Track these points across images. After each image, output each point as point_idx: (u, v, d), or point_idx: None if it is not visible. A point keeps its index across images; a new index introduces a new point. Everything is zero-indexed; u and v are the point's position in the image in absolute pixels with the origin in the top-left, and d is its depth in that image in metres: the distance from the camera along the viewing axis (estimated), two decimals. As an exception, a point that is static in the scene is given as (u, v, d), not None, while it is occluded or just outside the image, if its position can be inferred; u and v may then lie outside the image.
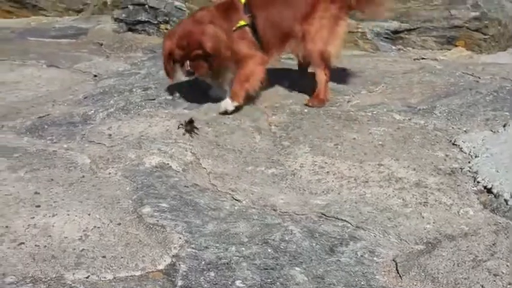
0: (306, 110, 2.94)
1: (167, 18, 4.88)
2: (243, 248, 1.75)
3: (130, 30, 5.07)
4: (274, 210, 2.02)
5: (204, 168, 2.34)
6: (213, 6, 2.92)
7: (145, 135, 2.60)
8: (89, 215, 1.90)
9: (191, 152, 2.46)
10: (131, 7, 5.07)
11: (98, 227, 1.83)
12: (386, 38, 4.54)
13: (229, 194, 2.13)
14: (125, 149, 2.46)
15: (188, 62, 2.69)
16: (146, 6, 4.94)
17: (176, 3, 4.98)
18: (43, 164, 2.28)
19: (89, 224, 1.84)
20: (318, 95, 2.97)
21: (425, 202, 2.03)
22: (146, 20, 4.94)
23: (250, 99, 2.92)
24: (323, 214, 1.98)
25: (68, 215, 1.88)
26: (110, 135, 2.63)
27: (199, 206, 2.00)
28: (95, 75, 3.72)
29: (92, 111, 2.92)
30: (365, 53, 4.44)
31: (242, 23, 2.80)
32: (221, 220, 1.92)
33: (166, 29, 4.91)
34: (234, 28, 2.78)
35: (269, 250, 1.75)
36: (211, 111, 2.94)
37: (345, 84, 3.40)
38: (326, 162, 2.37)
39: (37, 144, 2.53)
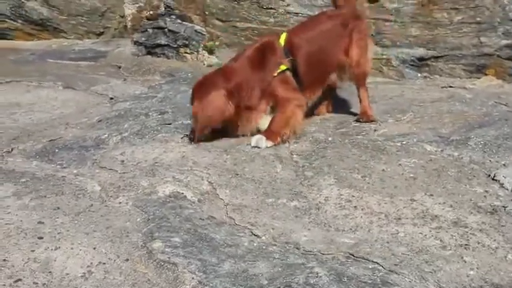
0: (330, 139, 2.77)
1: (186, 42, 4.81)
2: (263, 292, 1.57)
3: (149, 53, 5.01)
4: (297, 248, 1.83)
5: (221, 199, 2.18)
6: (252, 49, 2.82)
7: (160, 162, 2.46)
8: (94, 249, 1.74)
9: (207, 180, 2.30)
10: (150, 30, 5.02)
11: (104, 263, 1.67)
12: (412, 65, 4.38)
13: (248, 228, 1.95)
14: (137, 176, 2.32)
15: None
16: (166, 29, 4.89)
17: (197, 27, 4.92)
18: (50, 191, 2.15)
19: (94, 260, 1.67)
20: (366, 112, 3.06)
21: (466, 244, 1.82)
22: (166, 43, 4.88)
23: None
24: (351, 254, 1.79)
25: (72, 248, 1.73)
26: (122, 161, 2.50)
27: (215, 242, 1.83)
28: (111, 98, 3.62)
29: (106, 135, 2.79)
30: (389, 80, 4.29)
31: (283, 67, 2.76)
32: (239, 258, 1.74)
33: (186, 52, 4.85)
34: (275, 74, 2.74)
35: (292, 295, 1.56)
36: (229, 139, 2.79)
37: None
38: (353, 196, 2.18)
39: (46, 168, 2.40)
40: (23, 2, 5.57)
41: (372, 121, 3.02)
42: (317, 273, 1.65)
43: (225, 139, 2.78)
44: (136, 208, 2.04)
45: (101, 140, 2.74)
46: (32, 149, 2.63)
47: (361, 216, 2.03)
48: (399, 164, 2.46)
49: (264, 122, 2.74)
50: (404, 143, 2.70)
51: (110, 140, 2.74)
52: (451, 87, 4.09)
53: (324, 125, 3.00)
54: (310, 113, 3.07)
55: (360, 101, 3.08)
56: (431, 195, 2.17)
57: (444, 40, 4.28)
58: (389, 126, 3.00)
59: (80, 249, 1.72)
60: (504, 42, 4.10)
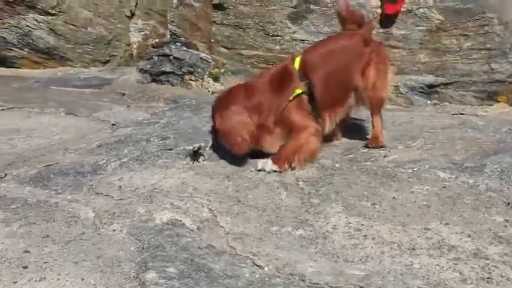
0: (337, 165, 2.65)
1: (191, 69, 4.76)
2: (264, 330, 1.42)
3: (154, 81, 4.96)
4: (302, 280, 1.69)
5: (222, 227, 2.05)
6: (271, 73, 2.75)
7: (158, 188, 2.34)
8: (82, 280, 1.60)
9: (208, 208, 2.18)
10: (156, 58, 4.99)
11: (92, 296, 1.53)
12: (421, 92, 4.27)
13: (250, 258, 1.81)
14: (134, 202, 2.20)
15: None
16: (171, 57, 4.85)
17: (202, 54, 4.88)
18: (41, 218, 2.03)
19: (81, 292, 1.54)
20: (377, 137, 2.90)
21: (488, 278, 1.67)
22: (171, 70, 4.83)
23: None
24: (361, 288, 1.64)
25: (59, 279, 1.59)
26: (120, 186, 2.38)
27: (214, 273, 1.69)
28: (113, 124, 3.53)
29: (104, 161, 2.69)
30: (398, 108, 4.18)
31: (298, 91, 2.64)
32: (238, 291, 1.59)
33: (191, 79, 4.79)
34: (291, 98, 2.63)
35: (297, 333, 1.41)
36: (231, 165, 2.68)
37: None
38: (362, 224, 2.04)
39: (39, 194, 2.29)
40: (30, 31, 5.58)
41: (381, 147, 2.88)
42: (324, 309, 1.50)
43: (229, 165, 2.66)
44: (131, 236, 1.91)
45: (98, 166, 2.64)
46: (26, 174, 2.52)
47: (371, 246, 1.88)
48: (411, 192, 2.32)
49: (276, 147, 2.64)
50: (416, 169, 2.56)
51: (109, 166, 2.64)
52: (462, 114, 3.97)
53: (331, 151, 2.88)
54: (328, 138, 2.91)
55: (373, 127, 2.93)
56: (447, 224, 2.03)
57: (453, 67, 4.18)
58: (399, 153, 2.87)
59: (67, 280, 1.59)
60: (516, 68, 4.01)
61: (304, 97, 2.66)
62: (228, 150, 2.62)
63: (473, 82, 4.15)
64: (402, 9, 4.20)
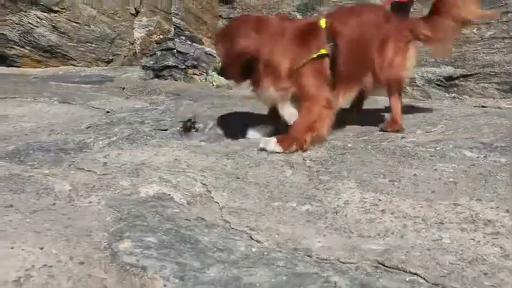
0: (350, 145, 2.36)
1: (195, 63, 4.54)
2: (259, 306, 1.13)
3: (156, 76, 4.74)
4: (308, 255, 1.39)
5: (216, 202, 1.76)
6: (297, 23, 2.46)
7: (148, 163, 2.07)
8: (42, 249, 1.33)
9: (201, 183, 1.90)
10: (159, 53, 4.78)
11: (50, 266, 1.25)
12: (439, 85, 3.99)
13: (247, 233, 1.53)
14: (118, 177, 1.93)
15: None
16: (175, 50, 4.64)
17: (207, 49, 4.66)
18: (8, 189, 1.77)
19: (37, 262, 1.26)
20: (396, 120, 2.61)
21: (536, 252, 1.36)
22: (174, 65, 4.61)
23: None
24: (380, 263, 1.34)
25: (13, 248, 1.32)
26: (105, 163, 2.12)
27: (201, 245, 1.40)
28: (108, 111, 3.29)
29: (91, 139, 2.43)
30: (414, 101, 3.89)
31: (323, 51, 2.29)
32: (230, 264, 1.31)
33: (195, 74, 4.56)
34: (315, 56, 2.27)
35: (300, 311, 1.12)
36: (232, 145, 2.41)
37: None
38: (379, 200, 1.74)
39: (13, 169, 2.03)
40: (32, 28, 5.43)
41: (399, 131, 2.58)
42: (335, 283, 1.21)
43: (230, 146, 2.39)
44: (109, 208, 1.64)
45: (84, 144, 2.38)
46: (2, 150, 2.27)
47: (391, 221, 1.59)
48: (435, 169, 2.02)
49: (285, 109, 2.31)
50: (439, 148, 2.27)
51: (95, 144, 2.38)
52: (483, 107, 3.67)
53: (342, 133, 2.60)
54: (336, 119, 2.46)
55: (391, 110, 2.62)
56: (479, 199, 1.72)
57: (474, 57, 3.90)
58: (418, 136, 2.57)
59: (23, 249, 1.31)
60: (542, 57, 3.71)
61: (327, 61, 2.31)
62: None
63: (496, 73, 3.85)
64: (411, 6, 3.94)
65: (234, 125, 2.63)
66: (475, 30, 3.91)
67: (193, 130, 2.51)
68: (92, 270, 1.25)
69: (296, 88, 2.25)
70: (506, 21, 3.81)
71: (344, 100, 2.49)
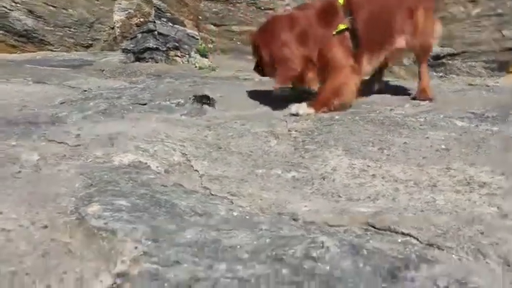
0: (337, 117, 2.27)
1: (177, 45, 4.40)
2: (240, 267, 1.02)
3: (137, 59, 4.59)
4: (294, 219, 1.29)
5: (196, 170, 1.65)
6: (316, 6, 2.53)
7: (124, 134, 1.95)
8: (1, 213, 1.20)
9: (181, 152, 1.79)
10: (139, 35, 4.63)
11: (9, 230, 1.13)
12: (426, 64, 3.91)
13: (227, 198, 1.42)
14: (91, 147, 1.81)
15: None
16: (156, 32, 4.49)
17: (189, 31, 4.52)
18: (-31, 158, 1.63)
19: (-5, 225, 1.14)
20: (425, 88, 2.72)
21: (535, 211, 1.28)
22: (155, 47, 4.47)
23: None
24: (371, 225, 1.24)
25: (-31, 211, 1.20)
26: (78, 135, 1.99)
27: (178, 209, 1.29)
28: (85, 90, 3.14)
29: (65, 113, 2.30)
30: (400, 80, 3.81)
31: (342, 27, 2.45)
32: (209, 227, 1.20)
33: (176, 55, 4.43)
34: (334, 33, 2.44)
35: (284, 271, 1.01)
36: (214, 119, 2.30)
37: (382, 100, 2.75)
38: (368, 166, 1.65)
39: (-23, 141, 1.89)
40: (6, 12, 5.21)
41: (431, 100, 2.65)
42: (322, 243, 1.11)
43: (213, 119, 2.28)
44: (79, 175, 1.52)
45: (57, 118, 2.25)
46: (-33, 123, 2.13)
47: (382, 184, 1.49)
48: (426, 137, 1.94)
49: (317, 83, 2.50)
50: (429, 118, 2.19)
51: (69, 118, 2.25)
52: (471, 85, 3.61)
53: (330, 108, 2.50)
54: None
55: (420, 78, 2.75)
56: (473, 164, 1.64)
57: (461, 36, 3.83)
58: (408, 109, 2.49)
59: (-20, 213, 1.19)
60: (530, 34, 3.65)
61: (347, 34, 2.45)
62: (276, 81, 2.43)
63: (483, 52, 3.79)
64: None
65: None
66: (461, 8, 3.84)
67: (209, 104, 2.49)
68: (56, 235, 1.13)
69: (324, 63, 2.41)
70: (494, -1, 3.75)
71: (370, 66, 2.60)
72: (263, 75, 2.58)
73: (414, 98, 2.70)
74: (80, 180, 1.45)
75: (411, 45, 2.68)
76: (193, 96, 2.55)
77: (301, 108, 2.32)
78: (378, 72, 2.93)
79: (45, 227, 1.16)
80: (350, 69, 2.41)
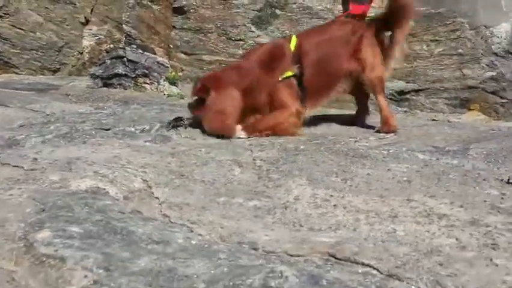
0: (302, 147, 2.27)
1: (146, 72, 4.38)
2: (195, 297, 0.98)
3: (105, 85, 4.52)
4: (254, 249, 1.27)
5: (157, 197, 1.61)
6: (263, 50, 2.71)
7: (83, 159, 1.89)
8: None
9: (142, 179, 1.74)
10: (108, 61, 4.59)
11: (-51, 256, 1.06)
12: (391, 99, 4.01)
13: (187, 226, 1.38)
14: (48, 171, 1.75)
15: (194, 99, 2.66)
16: (125, 59, 4.46)
17: (159, 59, 4.52)
18: None
19: None
20: (388, 120, 2.74)
21: (493, 244, 1.29)
22: (123, 73, 4.43)
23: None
24: (331, 255, 1.23)
25: None
26: (35, 159, 1.92)
27: (134, 236, 1.25)
28: (48, 114, 3.07)
29: (23, 136, 2.23)
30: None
31: (289, 73, 2.61)
32: (165, 255, 1.16)
33: (145, 83, 4.40)
34: (280, 79, 2.59)
35: (241, 302, 0.98)
36: (179, 146, 2.27)
37: (348, 131, 2.79)
38: (331, 196, 1.65)
39: None
40: (-29, 33, 5.10)
41: (394, 131, 2.68)
42: (281, 273, 1.08)
43: (178, 146, 2.25)
44: (32, 200, 1.46)
45: (15, 141, 2.17)
46: None
47: (343, 215, 1.49)
48: (388, 169, 1.96)
49: None
50: (392, 151, 2.22)
51: (28, 142, 2.18)
52: (434, 120, 3.71)
53: (295, 138, 2.51)
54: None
55: (380, 111, 2.76)
56: (433, 196, 1.66)
57: (424, 72, 3.97)
58: (371, 142, 2.52)
59: None
60: (489, 74, 3.82)
61: (293, 80, 2.61)
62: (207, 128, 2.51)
63: (445, 89, 3.93)
64: (369, 12, 3.99)
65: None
66: (424, 47, 3.99)
67: (180, 127, 2.54)
68: (1, 262, 1.06)
69: (271, 100, 2.57)
70: (455, 39, 3.92)
71: (316, 107, 2.77)
72: (194, 114, 2.62)
73: (378, 131, 2.73)
74: (32, 205, 1.39)
75: (363, 82, 2.75)
76: (169, 120, 2.59)
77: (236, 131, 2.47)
78: (362, 104, 3.04)
79: (-10, 253, 1.10)
80: (291, 112, 2.56)
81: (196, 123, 2.60)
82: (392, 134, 2.65)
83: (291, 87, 2.61)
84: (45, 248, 1.12)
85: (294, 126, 2.57)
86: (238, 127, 2.48)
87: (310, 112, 2.75)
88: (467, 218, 1.46)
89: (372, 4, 3.93)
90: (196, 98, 2.61)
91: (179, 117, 2.61)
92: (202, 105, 2.51)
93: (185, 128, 2.54)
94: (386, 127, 2.72)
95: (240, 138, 2.44)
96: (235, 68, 2.64)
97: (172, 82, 4.34)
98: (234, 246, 1.27)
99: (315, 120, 2.96)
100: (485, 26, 3.82)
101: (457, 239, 1.31)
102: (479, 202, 1.60)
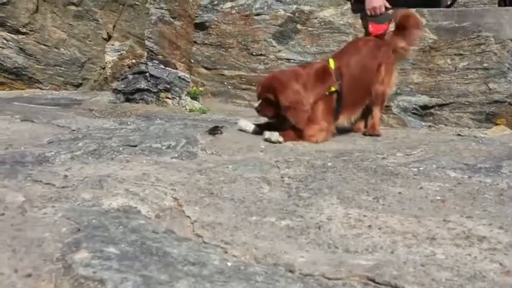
0: (330, 164, 2.25)
1: (168, 86, 4.41)
2: (237, 323, 0.96)
3: (127, 100, 4.56)
4: (290, 271, 1.24)
5: (188, 216, 1.60)
6: (315, 67, 2.97)
7: (113, 176, 1.90)
8: (-18, 259, 1.13)
9: (172, 196, 1.74)
10: (131, 76, 4.63)
11: (-10, 278, 1.06)
12: (414, 113, 3.97)
13: (221, 247, 1.37)
14: (80, 188, 1.75)
15: (259, 101, 2.86)
16: (147, 74, 4.50)
17: (181, 73, 4.55)
18: (-49, 198, 1.56)
19: (-25, 272, 1.07)
20: (374, 125, 3.17)
21: (538, 268, 1.25)
22: (146, 88, 4.46)
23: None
24: (370, 279, 1.20)
25: None
26: (66, 176, 1.93)
27: (170, 258, 1.23)
28: (74, 130, 3.10)
29: (52, 153, 2.25)
30: (390, 128, 3.84)
31: (333, 89, 2.89)
32: (202, 278, 1.14)
33: (167, 97, 4.43)
34: (327, 93, 2.87)
35: (284, 329, 0.96)
36: (205, 163, 2.27)
37: (374, 147, 2.75)
38: (364, 215, 1.62)
39: (-40, 179, 1.82)
40: (-3, 49, 5.22)
41: (377, 135, 3.10)
42: (323, 298, 1.05)
43: (204, 163, 2.24)
44: (66, 219, 1.46)
45: (44, 158, 2.19)
46: (-50, 161, 2.06)
47: (379, 236, 1.46)
48: (420, 188, 1.92)
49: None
50: (422, 168, 2.18)
51: (57, 158, 2.19)
52: (459, 135, 3.65)
53: (322, 155, 2.49)
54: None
55: (372, 117, 3.16)
56: (470, 217, 1.62)
57: (448, 87, 3.92)
58: (399, 158, 2.49)
59: (-42, 259, 1.12)
60: (515, 88, 3.74)
61: (334, 96, 2.89)
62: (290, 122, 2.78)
63: (470, 103, 3.87)
64: (388, 31, 3.96)
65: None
66: (448, 61, 3.94)
67: (218, 133, 2.82)
68: (40, 284, 1.06)
69: (313, 112, 2.82)
70: (480, 53, 3.86)
71: (352, 119, 3.09)
72: (263, 115, 2.89)
73: (364, 133, 3.13)
74: (67, 225, 1.39)
75: (373, 93, 3.13)
76: (208, 129, 2.88)
77: (274, 136, 2.71)
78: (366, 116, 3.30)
79: (29, 275, 1.09)
80: (323, 127, 2.83)
81: (221, 140, 2.61)
82: (379, 137, 3.04)
83: (331, 103, 2.89)
84: (84, 269, 1.11)
85: (323, 139, 2.83)
86: (276, 133, 2.71)
87: (347, 122, 3.06)
88: (509, 240, 1.42)
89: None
90: (261, 100, 2.84)
91: (216, 126, 2.90)
92: (268, 105, 2.79)
93: (221, 133, 2.83)
94: (371, 130, 3.14)
95: (275, 141, 2.69)
96: (292, 71, 2.95)
97: (194, 97, 4.36)
98: (270, 269, 1.25)
99: (339, 133, 3.01)
100: (511, 40, 3.76)
101: (500, 264, 1.27)
102: (518, 223, 1.56)
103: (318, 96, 2.83)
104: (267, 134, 2.73)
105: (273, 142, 2.69)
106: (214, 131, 2.84)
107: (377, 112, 3.16)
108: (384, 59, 3.15)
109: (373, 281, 1.19)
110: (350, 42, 3.52)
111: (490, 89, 3.82)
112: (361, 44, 3.22)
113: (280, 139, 2.72)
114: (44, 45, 5.35)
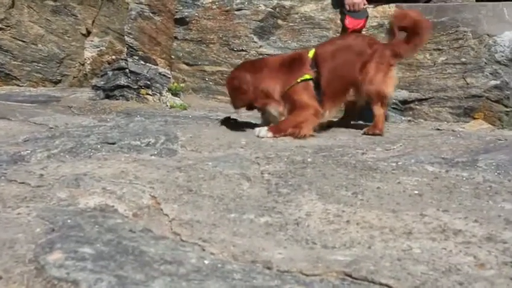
0: (309, 159, 2.26)
1: (149, 83, 4.36)
2: (212, 322, 0.96)
3: (107, 97, 4.51)
4: (268, 268, 1.24)
5: (166, 214, 1.59)
6: (286, 56, 3.07)
7: (90, 175, 1.87)
8: (-49, 261, 1.11)
9: (150, 195, 1.72)
10: (110, 73, 4.57)
11: (-41, 280, 1.04)
12: (394, 108, 4.00)
13: (199, 245, 1.36)
14: (55, 188, 1.72)
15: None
16: (127, 70, 4.44)
17: (161, 69, 4.51)
18: None
19: None
20: (377, 125, 3.04)
21: None
22: (126, 84, 4.41)
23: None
24: (347, 275, 1.20)
25: None
26: (41, 175, 1.90)
27: (147, 257, 1.22)
28: (52, 128, 3.05)
29: (28, 152, 2.21)
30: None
31: (307, 76, 2.88)
32: (179, 277, 1.13)
33: (148, 94, 4.38)
34: (299, 80, 2.85)
35: (259, 326, 0.95)
36: (185, 160, 2.25)
37: (354, 142, 2.77)
38: (343, 211, 1.63)
39: None
40: (-28, 45, 5.10)
41: (379, 134, 2.97)
42: (299, 295, 1.05)
43: (184, 160, 2.23)
44: (40, 219, 1.43)
45: (20, 156, 2.15)
46: None
47: (357, 231, 1.46)
48: (398, 182, 1.94)
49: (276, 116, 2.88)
50: (400, 163, 2.20)
51: (33, 157, 2.15)
52: (438, 129, 3.69)
53: (302, 150, 2.49)
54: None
55: (374, 116, 3.04)
56: (446, 210, 1.64)
57: (428, 81, 3.95)
58: (378, 153, 2.51)
59: None
60: (493, 82, 3.80)
61: (311, 83, 2.86)
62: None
63: (449, 98, 3.91)
64: (364, 27, 3.98)
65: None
66: (427, 56, 3.98)
67: (231, 121, 2.98)
68: (11, 286, 1.04)
69: (291, 103, 2.82)
70: (458, 48, 3.91)
71: (329, 112, 2.99)
72: (235, 108, 2.98)
73: (365, 133, 2.99)
74: (40, 225, 1.37)
75: (363, 95, 3.05)
76: (220, 120, 3.06)
77: (262, 131, 2.73)
78: (351, 112, 3.31)
79: (0, 278, 1.07)
80: (313, 110, 2.81)
81: (201, 137, 2.59)
82: (378, 136, 2.93)
83: (308, 89, 2.86)
84: (58, 270, 1.09)
85: (314, 124, 2.79)
86: (264, 128, 2.73)
87: (326, 116, 2.94)
88: (483, 233, 1.44)
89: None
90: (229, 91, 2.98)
91: (228, 117, 3.05)
92: (236, 97, 2.89)
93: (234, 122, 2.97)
94: (373, 129, 3.00)
95: (264, 136, 2.70)
96: (252, 61, 3.09)
97: (175, 93, 4.33)
98: (247, 266, 1.25)
99: (319, 130, 2.98)
100: (488, 35, 3.81)
101: (474, 257, 1.29)
102: (493, 217, 1.58)
103: (286, 83, 2.83)
104: (257, 130, 2.76)
105: (262, 137, 2.70)
106: (226, 121, 2.97)
107: (376, 112, 3.03)
108: (375, 58, 3.04)
109: (350, 276, 1.19)
110: (340, 36, 3.53)
111: (467, 84, 3.86)
112: (349, 39, 3.22)
113: (270, 134, 2.73)
114: (21, 41, 5.24)
